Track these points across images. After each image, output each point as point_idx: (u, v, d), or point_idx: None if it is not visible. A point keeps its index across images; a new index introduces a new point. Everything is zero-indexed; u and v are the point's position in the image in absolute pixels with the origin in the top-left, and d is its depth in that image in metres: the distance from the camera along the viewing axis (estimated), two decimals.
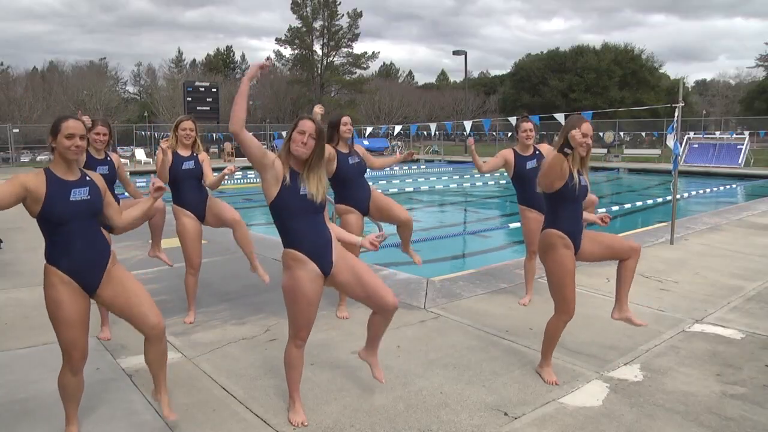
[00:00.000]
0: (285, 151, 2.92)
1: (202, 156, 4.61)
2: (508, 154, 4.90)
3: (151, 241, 4.67)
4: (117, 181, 4.39)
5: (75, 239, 2.63)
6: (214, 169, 4.57)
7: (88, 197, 2.67)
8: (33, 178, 2.59)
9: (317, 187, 2.90)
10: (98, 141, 4.20)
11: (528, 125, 4.83)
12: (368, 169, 4.79)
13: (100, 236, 2.75)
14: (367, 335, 3.20)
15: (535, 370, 3.62)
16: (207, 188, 4.62)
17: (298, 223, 2.87)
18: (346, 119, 4.65)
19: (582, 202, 3.45)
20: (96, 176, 2.81)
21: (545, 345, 3.52)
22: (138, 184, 4.52)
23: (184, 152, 4.52)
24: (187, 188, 4.50)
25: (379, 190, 4.89)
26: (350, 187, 4.62)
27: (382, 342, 4.11)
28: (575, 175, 3.33)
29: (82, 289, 2.70)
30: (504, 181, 18.17)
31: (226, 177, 4.43)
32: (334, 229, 3.09)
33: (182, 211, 4.50)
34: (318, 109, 4.58)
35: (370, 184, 4.79)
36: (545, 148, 4.89)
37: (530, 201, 4.83)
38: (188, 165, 4.48)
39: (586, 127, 3.28)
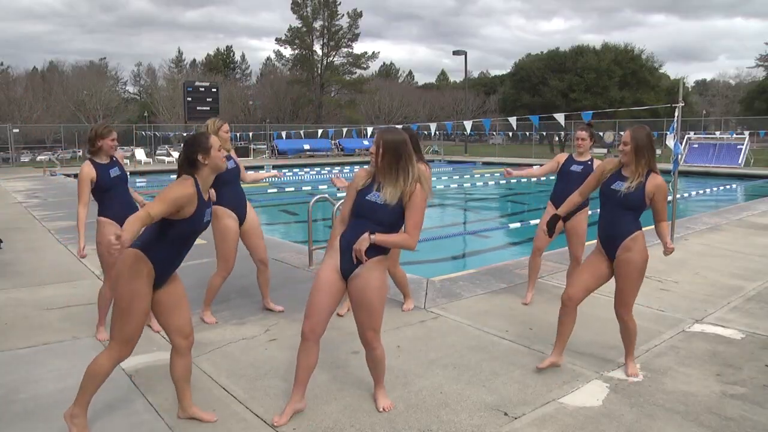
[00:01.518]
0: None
1: (234, 155, 4.68)
2: (561, 157, 5.05)
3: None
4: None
5: (183, 249, 2.85)
6: None
7: (209, 219, 2.90)
8: (193, 193, 2.72)
9: None
10: (113, 148, 4.21)
11: (582, 133, 4.88)
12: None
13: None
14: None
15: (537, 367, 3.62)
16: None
17: None
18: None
19: (621, 210, 3.45)
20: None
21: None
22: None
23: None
24: (229, 189, 4.48)
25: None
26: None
27: (383, 342, 4.11)
28: (617, 179, 3.48)
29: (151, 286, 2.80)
30: (504, 182, 18.17)
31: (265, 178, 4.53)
32: None
33: (225, 211, 4.46)
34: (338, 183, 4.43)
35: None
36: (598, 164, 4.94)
37: (558, 200, 4.82)
38: (230, 165, 4.48)
39: (625, 135, 3.47)
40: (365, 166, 3.08)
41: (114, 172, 4.18)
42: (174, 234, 2.74)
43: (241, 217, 4.57)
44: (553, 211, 4.81)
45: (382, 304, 2.95)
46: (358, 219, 2.91)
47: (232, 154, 4.65)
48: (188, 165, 2.78)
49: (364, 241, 2.80)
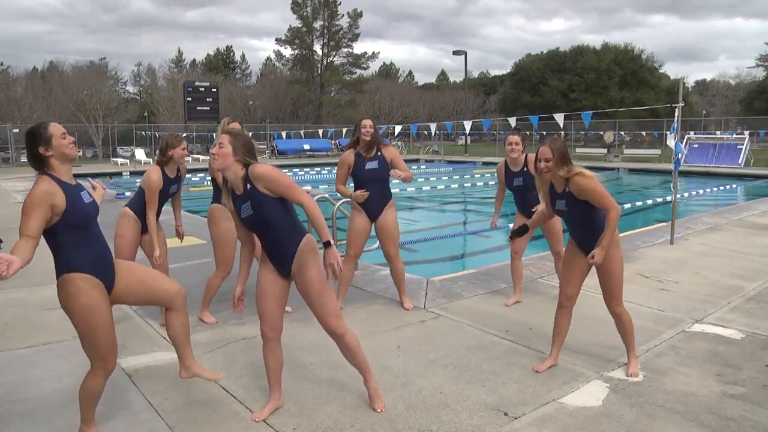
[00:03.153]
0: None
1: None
2: (500, 170, 5.04)
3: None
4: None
5: (93, 240, 2.65)
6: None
7: (91, 199, 2.72)
8: (48, 189, 2.52)
9: None
10: (183, 157, 4.28)
11: (514, 138, 4.82)
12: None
13: (101, 233, 2.78)
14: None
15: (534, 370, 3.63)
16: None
17: None
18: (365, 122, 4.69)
19: (575, 219, 3.51)
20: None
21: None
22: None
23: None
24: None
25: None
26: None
27: (383, 342, 4.12)
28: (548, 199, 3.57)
29: (106, 290, 2.71)
30: None
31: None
32: None
33: (224, 213, 4.43)
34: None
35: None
36: (532, 159, 4.84)
37: (521, 209, 5.03)
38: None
39: (541, 151, 3.42)
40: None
41: (173, 189, 4.30)
42: (68, 236, 2.56)
43: None
44: (522, 219, 4.93)
45: (327, 284, 2.96)
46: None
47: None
48: (35, 162, 2.59)
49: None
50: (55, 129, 2.61)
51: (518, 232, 4.05)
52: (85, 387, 2.73)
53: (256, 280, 3.01)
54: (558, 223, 4.97)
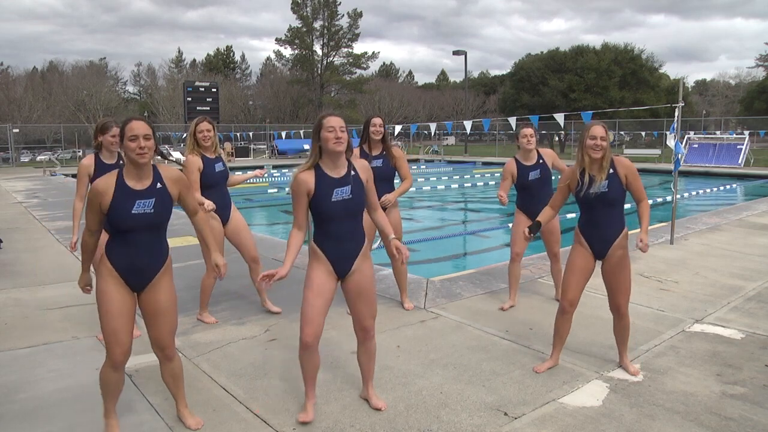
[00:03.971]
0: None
1: (225, 158, 4.62)
2: (511, 167, 4.86)
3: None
4: None
5: (133, 246, 2.67)
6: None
7: (152, 210, 2.65)
8: (103, 186, 2.61)
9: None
10: (114, 144, 4.04)
11: (528, 131, 4.77)
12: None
13: (158, 244, 2.75)
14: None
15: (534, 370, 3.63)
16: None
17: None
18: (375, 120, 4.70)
19: (607, 210, 3.45)
20: (171, 177, 2.76)
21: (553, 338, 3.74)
22: None
23: (209, 154, 4.43)
24: (214, 192, 4.43)
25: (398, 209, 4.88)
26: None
27: (383, 342, 4.12)
28: (587, 180, 3.41)
29: (128, 287, 2.72)
30: None
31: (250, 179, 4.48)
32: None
33: (212, 213, 4.41)
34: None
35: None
36: (548, 154, 4.88)
37: (527, 208, 4.84)
38: (219, 167, 4.44)
39: (596, 130, 3.36)
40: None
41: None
42: (110, 226, 2.67)
43: (224, 219, 4.54)
44: (524, 219, 4.82)
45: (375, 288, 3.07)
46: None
47: (223, 156, 4.61)
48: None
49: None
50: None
51: (536, 227, 3.71)
52: (99, 376, 2.81)
53: (308, 278, 2.91)
54: (558, 222, 4.96)
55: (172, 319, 2.84)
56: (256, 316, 4.72)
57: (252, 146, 35.05)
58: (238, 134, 35.64)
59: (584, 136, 3.40)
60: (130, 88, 62.95)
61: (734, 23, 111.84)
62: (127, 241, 2.66)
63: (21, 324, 4.54)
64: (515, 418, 3.05)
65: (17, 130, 29.58)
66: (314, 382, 3.05)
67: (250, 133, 35.65)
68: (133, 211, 2.61)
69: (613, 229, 3.47)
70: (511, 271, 5.00)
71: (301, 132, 33.88)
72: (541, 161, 4.80)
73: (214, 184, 4.40)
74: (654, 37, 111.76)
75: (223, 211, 4.50)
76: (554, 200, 3.68)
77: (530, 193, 4.80)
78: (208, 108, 32.51)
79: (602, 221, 3.48)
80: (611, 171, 3.41)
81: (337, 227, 2.87)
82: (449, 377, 3.54)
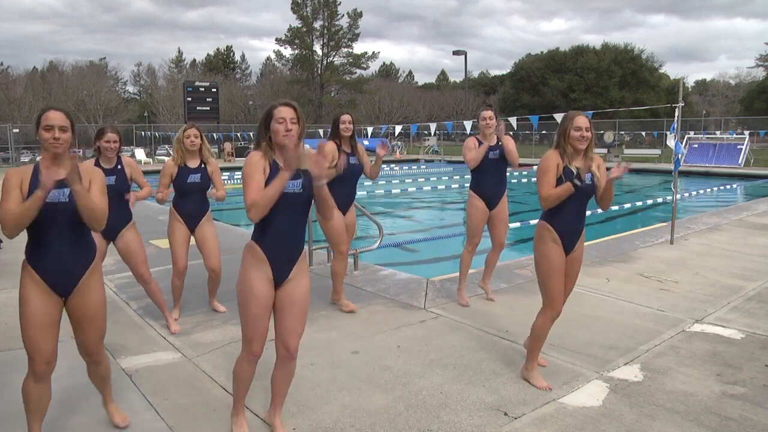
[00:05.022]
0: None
1: (212, 166, 4.51)
2: (471, 142, 4.80)
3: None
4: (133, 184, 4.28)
5: (51, 241, 2.56)
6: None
7: (67, 200, 2.52)
8: (19, 173, 2.54)
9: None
10: (109, 149, 4.06)
11: (488, 113, 4.75)
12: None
13: (81, 241, 2.62)
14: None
15: (521, 376, 3.51)
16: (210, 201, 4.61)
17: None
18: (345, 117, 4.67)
19: (584, 203, 3.33)
20: (91, 172, 2.65)
21: (532, 344, 3.44)
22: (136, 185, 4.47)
23: (192, 162, 4.43)
24: (189, 199, 4.46)
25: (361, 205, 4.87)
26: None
27: (383, 342, 4.12)
28: (575, 172, 3.20)
29: (54, 292, 2.62)
30: None
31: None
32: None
33: (174, 214, 4.48)
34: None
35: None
36: (509, 142, 4.80)
37: (481, 189, 4.82)
38: (193, 179, 4.42)
39: (581, 120, 3.24)
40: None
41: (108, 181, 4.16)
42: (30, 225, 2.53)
43: (191, 225, 4.52)
44: (482, 207, 4.79)
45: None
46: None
47: (211, 166, 4.50)
48: None
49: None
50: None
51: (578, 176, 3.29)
52: (21, 389, 2.83)
53: (245, 285, 2.63)
54: (507, 208, 4.93)
55: (100, 324, 2.71)
56: None
57: (252, 146, 35.02)
58: (238, 134, 35.62)
59: (568, 126, 3.25)
60: (130, 88, 62.95)
61: (734, 23, 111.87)
62: (48, 240, 2.55)
63: None
64: (515, 418, 3.05)
65: (17, 130, 29.57)
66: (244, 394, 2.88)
67: (250, 133, 35.64)
68: (47, 200, 2.43)
69: (583, 222, 3.38)
70: (463, 260, 5.03)
71: None
72: (499, 143, 4.76)
73: (185, 192, 4.43)
74: (654, 37, 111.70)
75: (190, 219, 4.51)
76: (545, 189, 3.29)
77: (489, 170, 4.76)
78: (208, 108, 32.50)
79: (580, 214, 3.34)
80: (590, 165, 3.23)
81: (281, 224, 2.58)
82: (449, 377, 3.54)
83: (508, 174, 5.01)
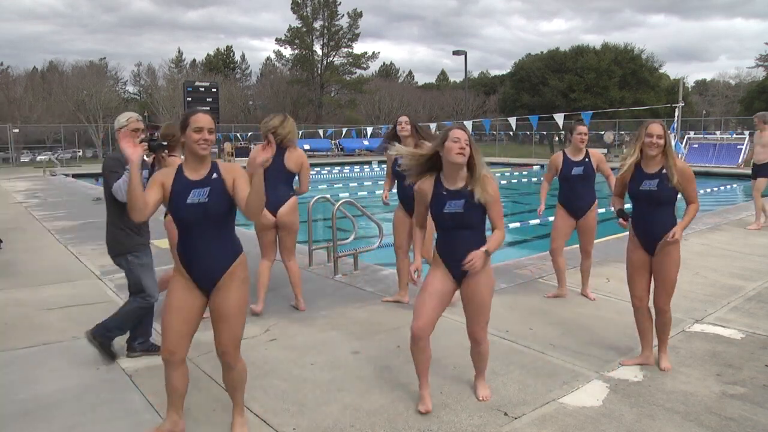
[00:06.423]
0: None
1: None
2: (557, 160, 5.03)
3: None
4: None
5: (193, 238, 2.64)
6: None
7: (206, 200, 2.60)
8: (164, 173, 2.66)
9: None
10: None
11: (583, 128, 4.94)
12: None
13: (221, 240, 2.67)
14: None
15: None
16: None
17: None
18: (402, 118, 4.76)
19: (654, 206, 3.49)
20: (228, 169, 2.68)
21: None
22: None
23: None
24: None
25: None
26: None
27: (383, 342, 4.12)
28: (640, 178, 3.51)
29: (197, 287, 2.70)
30: (504, 181, 18.16)
31: None
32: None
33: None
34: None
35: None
36: (596, 156, 5.03)
37: (568, 203, 5.01)
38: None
39: (653, 128, 3.45)
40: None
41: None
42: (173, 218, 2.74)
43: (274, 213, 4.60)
44: (565, 213, 4.99)
45: (491, 298, 3.13)
46: (447, 230, 3.00)
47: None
48: None
49: (479, 259, 2.88)
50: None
51: (622, 212, 3.81)
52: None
53: (427, 279, 3.07)
54: (595, 218, 5.06)
55: (233, 326, 2.74)
56: (256, 316, 4.72)
57: (252, 146, 35.02)
58: (238, 134, 35.62)
59: (641, 132, 3.48)
60: (130, 88, 62.86)
61: (734, 23, 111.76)
62: (190, 237, 2.64)
63: (21, 324, 4.54)
64: (515, 418, 3.05)
65: (17, 130, 29.58)
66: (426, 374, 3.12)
67: (250, 134, 35.64)
68: (188, 201, 2.59)
69: (665, 226, 3.48)
70: (556, 266, 5.15)
71: (301, 132, 33.87)
72: (587, 159, 4.94)
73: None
74: (654, 37, 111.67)
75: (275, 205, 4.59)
76: (618, 191, 3.76)
77: (571, 186, 4.96)
78: (208, 108, 32.44)
79: (646, 219, 3.55)
80: (662, 170, 3.45)
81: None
82: (449, 377, 3.54)
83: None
